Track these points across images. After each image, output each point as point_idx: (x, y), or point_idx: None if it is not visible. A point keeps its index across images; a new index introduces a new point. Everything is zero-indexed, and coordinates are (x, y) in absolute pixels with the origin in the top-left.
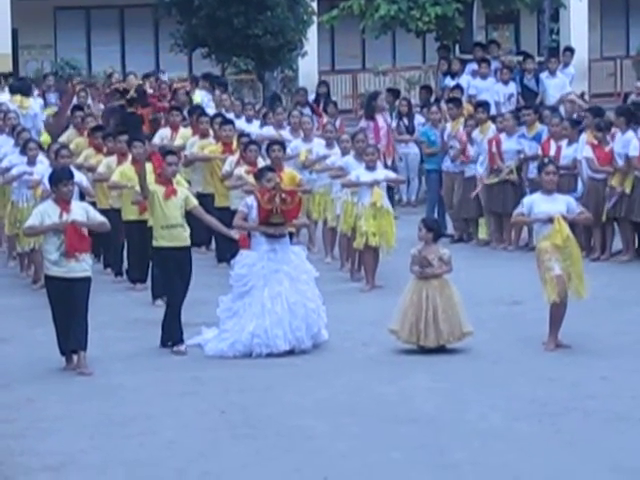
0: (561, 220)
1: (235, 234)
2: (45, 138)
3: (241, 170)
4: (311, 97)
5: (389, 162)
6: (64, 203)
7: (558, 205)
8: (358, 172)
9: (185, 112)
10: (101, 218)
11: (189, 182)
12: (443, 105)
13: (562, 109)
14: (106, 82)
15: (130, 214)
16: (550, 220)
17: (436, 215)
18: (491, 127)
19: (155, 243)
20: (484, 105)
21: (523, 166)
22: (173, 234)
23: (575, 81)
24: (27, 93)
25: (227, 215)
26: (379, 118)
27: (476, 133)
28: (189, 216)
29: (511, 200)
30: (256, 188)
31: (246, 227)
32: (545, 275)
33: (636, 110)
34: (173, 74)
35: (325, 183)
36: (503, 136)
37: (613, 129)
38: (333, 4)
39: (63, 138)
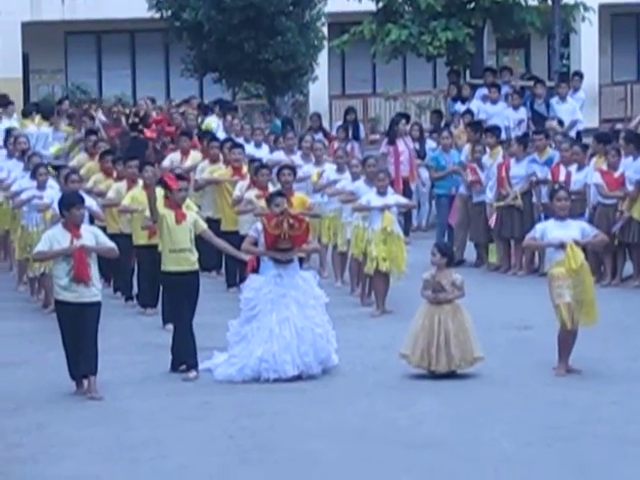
0: (574, 246)
1: (245, 256)
2: (56, 150)
3: (252, 194)
4: (339, 123)
5: (413, 187)
6: (74, 228)
7: (571, 231)
8: (369, 197)
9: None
10: (110, 244)
11: (199, 207)
12: (454, 130)
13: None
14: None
15: (141, 239)
16: (562, 246)
17: (446, 239)
18: (500, 152)
19: (163, 267)
20: (493, 130)
21: (534, 191)
22: (181, 258)
23: (585, 106)
24: (47, 116)
25: (236, 239)
26: (400, 143)
27: (485, 158)
28: (199, 240)
29: (519, 225)
30: (264, 213)
31: (254, 252)
32: (555, 301)
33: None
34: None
35: (335, 207)
36: (512, 161)
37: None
38: (344, 29)
39: (74, 162)
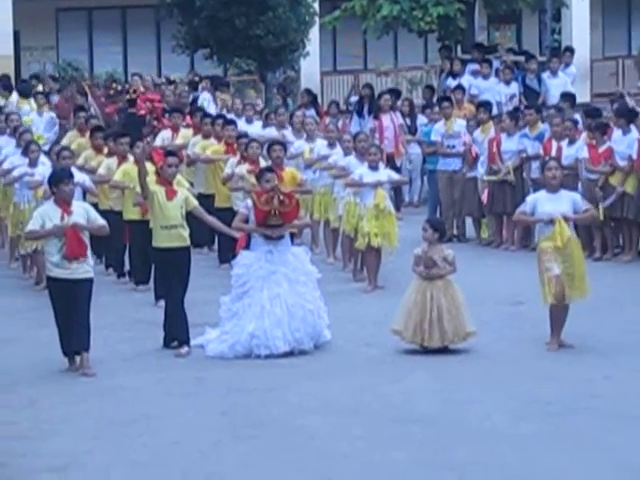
0: (562, 222)
1: (236, 234)
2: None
3: (243, 169)
4: (354, 99)
5: (398, 163)
6: (65, 204)
7: (563, 204)
8: (361, 172)
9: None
10: (101, 221)
11: (191, 183)
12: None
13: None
14: (107, 82)
15: (132, 214)
16: (551, 221)
17: (438, 215)
18: (492, 127)
19: (154, 243)
20: (485, 105)
21: (525, 166)
22: (172, 234)
23: (577, 81)
24: (26, 95)
25: (229, 216)
26: (384, 118)
27: (477, 133)
28: (191, 217)
29: (511, 200)
30: (255, 189)
31: (245, 229)
32: (544, 275)
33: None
34: (176, 74)
35: (326, 183)
36: (503, 136)
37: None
38: (335, 5)
39: (64, 141)
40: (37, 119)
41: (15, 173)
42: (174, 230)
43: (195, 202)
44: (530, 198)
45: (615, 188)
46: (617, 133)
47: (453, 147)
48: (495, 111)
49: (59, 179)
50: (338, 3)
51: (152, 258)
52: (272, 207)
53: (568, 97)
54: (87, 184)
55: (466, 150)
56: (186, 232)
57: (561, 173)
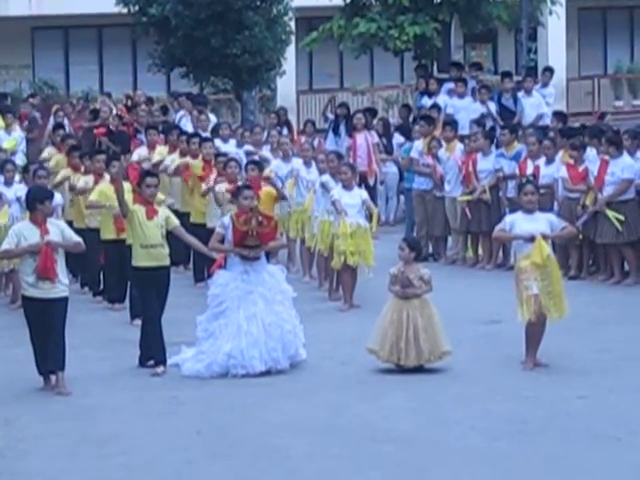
0: (541, 240)
1: (215, 254)
2: (10, 144)
3: (222, 188)
4: (330, 116)
5: (371, 182)
6: (42, 223)
7: (540, 224)
8: (336, 192)
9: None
10: (76, 238)
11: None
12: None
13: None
14: (79, 102)
15: (108, 234)
16: (531, 239)
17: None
18: (458, 146)
19: (134, 262)
20: (451, 124)
21: (501, 185)
22: (152, 254)
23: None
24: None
25: (202, 232)
26: (358, 137)
27: (442, 152)
28: (168, 235)
29: (486, 219)
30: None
31: (222, 249)
32: (522, 294)
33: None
34: (152, 94)
35: (303, 202)
36: (479, 155)
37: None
38: (311, 24)
39: (44, 154)
40: (4, 136)
41: None
42: (154, 250)
43: (176, 222)
44: (508, 219)
45: (587, 207)
46: (591, 153)
47: (428, 166)
48: (472, 130)
49: (37, 198)
50: (315, 22)
51: (131, 277)
52: (250, 228)
53: (560, 116)
54: (59, 202)
55: (431, 170)
56: (166, 251)
57: (537, 197)
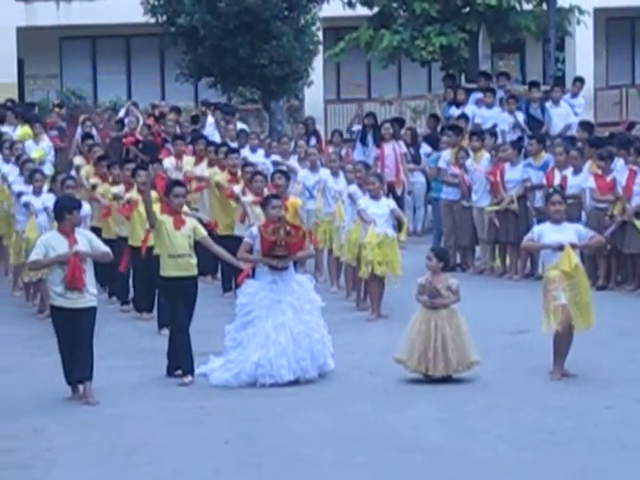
0: (570, 249)
1: (242, 265)
2: (39, 154)
3: (248, 199)
4: (357, 127)
5: (399, 192)
6: (70, 233)
7: (568, 234)
8: (364, 201)
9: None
10: (105, 248)
11: (196, 209)
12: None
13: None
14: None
15: (137, 240)
16: (560, 248)
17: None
18: (485, 156)
19: (162, 273)
20: (479, 134)
21: (529, 195)
22: (180, 264)
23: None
24: (27, 120)
25: (230, 243)
26: (386, 147)
27: (469, 162)
28: (195, 245)
29: (513, 229)
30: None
31: (250, 259)
32: (550, 304)
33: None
34: (180, 103)
35: (331, 212)
36: (507, 165)
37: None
38: (339, 34)
39: (77, 161)
40: (33, 146)
41: (24, 198)
42: (181, 259)
43: (204, 232)
44: (536, 229)
45: (615, 217)
46: (619, 163)
47: (455, 177)
48: (500, 140)
49: (65, 207)
50: (342, 32)
51: (159, 287)
52: (278, 238)
53: (586, 126)
54: (87, 219)
55: (459, 180)
56: (194, 261)
57: (565, 207)
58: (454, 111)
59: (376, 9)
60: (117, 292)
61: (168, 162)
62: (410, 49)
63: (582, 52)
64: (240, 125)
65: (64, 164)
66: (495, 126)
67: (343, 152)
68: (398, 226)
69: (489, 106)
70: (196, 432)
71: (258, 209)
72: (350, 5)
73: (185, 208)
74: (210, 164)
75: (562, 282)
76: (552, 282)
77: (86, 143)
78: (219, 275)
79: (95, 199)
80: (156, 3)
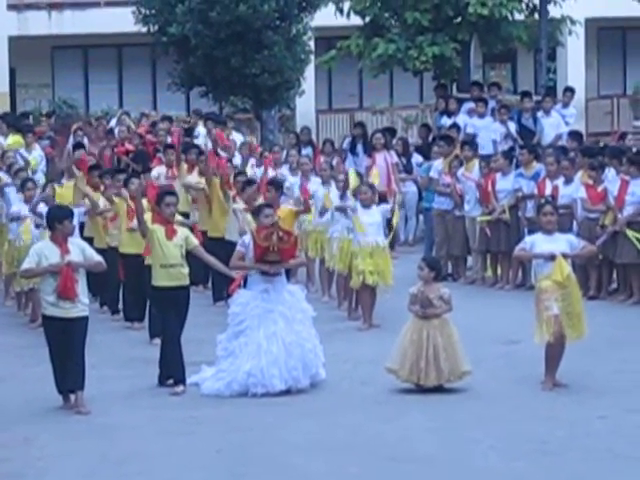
0: (562, 259)
1: (234, 274)
2: (34, 161)
3: (240, 206)
4: (347, 139)
5: (390, 202)
6: (63, 242)
7: (560, 245)
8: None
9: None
10: (97, 257)
11: (187, 215)
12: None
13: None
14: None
15: (128, 247)
16: (552, 258)
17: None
18: (476, 165)
19: (154, 283)
20: (470, 144)
21: (520, 205)
22: (172, 274)
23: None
24: (18, 130)
25: (220, 245)
26: (377, 156)
27: (461, 172)
28: (187, 255)
29: (505, 239)
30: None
31: (243, 267)
32: (542, 314)
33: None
34: (172, 113)
35: (322, 222)
36: (498, 175)
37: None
38: (330, 43)
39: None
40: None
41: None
42: (173, 269)
43: (196, 242)
44: (528, 239)
45: (606, 228)
46: (610, 173)
47: (447, 186)
48: (491, 150)
49: (59, 218)
50: (334, 42)
51: (150, 297)
52: (271, 243)
53: (575, 135)
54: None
55: (452, 190)
56: (186, 271)
57: (556, 218)
58: (446, 121)
59: (368, 19)
60: (108, 301)
61: (156, 171)
62: (404, 59)
63: (573, 62)
64: (235, 135)
65: (55, 173)
66: (476, 136)
67: (334, 162)
68: (388, 226)
69: (481, 116)
70: (187, 442)
71: (249, 216)
72: (342, 13)
73: (178, 217)
74: (201, 173)
75: (554, 292)
76: (544, 292)
77: (77, 153)
78: (210, 285)
79: (99, 214)
80: (148, 12)
